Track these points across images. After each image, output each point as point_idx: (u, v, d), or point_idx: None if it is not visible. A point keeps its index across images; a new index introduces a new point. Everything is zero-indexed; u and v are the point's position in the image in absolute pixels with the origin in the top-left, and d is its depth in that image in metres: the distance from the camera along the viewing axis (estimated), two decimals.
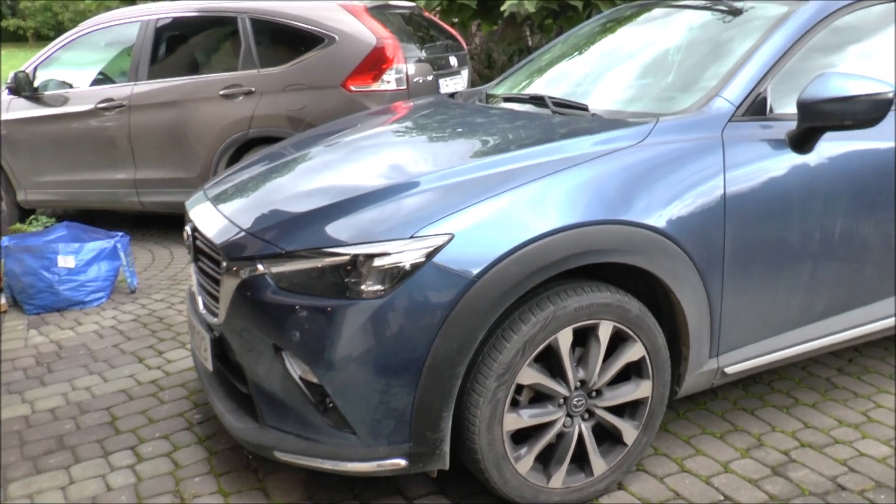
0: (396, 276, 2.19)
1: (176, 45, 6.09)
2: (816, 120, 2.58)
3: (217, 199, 2.84)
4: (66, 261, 4.54)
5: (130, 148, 5.79)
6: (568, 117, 2.88)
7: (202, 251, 2.74)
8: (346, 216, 2.33)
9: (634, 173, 2.45)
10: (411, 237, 2.20)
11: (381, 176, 2.59)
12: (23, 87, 6.03)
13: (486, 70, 8.16)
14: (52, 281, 4.52)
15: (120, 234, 4.86)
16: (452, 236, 2.20)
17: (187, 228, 2.86)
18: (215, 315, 2.61)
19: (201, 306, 2.80)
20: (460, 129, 3.09)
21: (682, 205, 2.48)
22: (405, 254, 2.18)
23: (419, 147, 2.99)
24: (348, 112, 5.11)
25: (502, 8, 7.25)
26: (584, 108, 2.91)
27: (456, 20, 8.23)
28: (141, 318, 4.41)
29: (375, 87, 5.16)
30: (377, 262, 2.19)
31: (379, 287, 2.19)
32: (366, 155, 2.96)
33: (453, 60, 5.94)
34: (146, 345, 4.04)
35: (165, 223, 6.55)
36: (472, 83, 6.41)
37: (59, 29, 38.25)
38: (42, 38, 38.98)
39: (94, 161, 5.94)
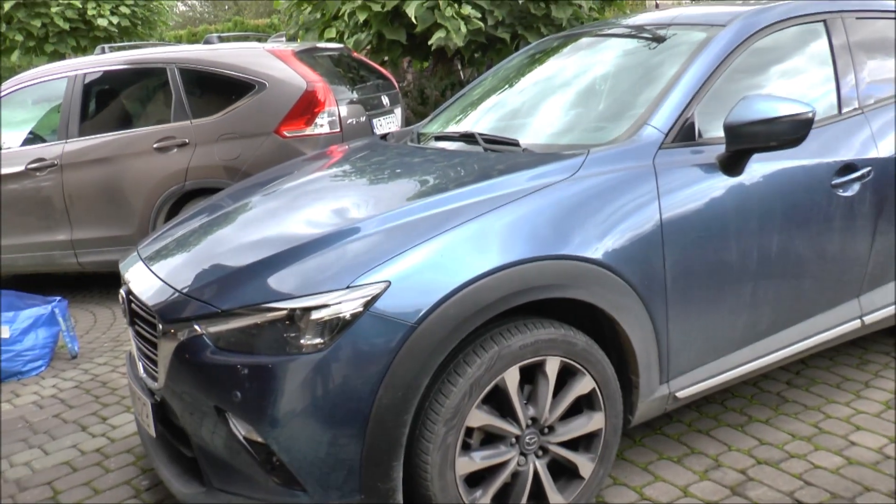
0: (335, 327, 2.14)
1: (106, 99, 5.99)
2: (743, 142, 2.62)
3: (151, 259, 2.77)
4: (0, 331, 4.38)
5: (66, 208, 5.65)
6: (500, 154, 2.88)
7: (138, 314, 2.66)
8: (283, 269, 2.29)
9: (569, 207, 2.45)
10: (348, 287, 2.16)
11: (319, 224, 2.56)
12: None
13: (419, 107, 8.20)
14: None
15: (57, 298, 4.72)
16: (389, 283, 2.17)
17: (122, 291, 2.78)
18: (155, 379, 2.53)
19: (141, 371, 2.72)
20: (395, 172, 3.07)
21: (620, 235, 2.49)
22: (343, 304, 2.15)
23: (355, 192, 2.96)
24: (283, 158, 5.06)
25: (430, 42, 7.29)
26: (515, 144, 2.92)
27: (386, 59, 8.27)
28: (83, 385, 4.27)
29: (309, 131, 5.14)
30: (315, 315, 2.14)
31: (319, 340, 2.15)
32: (303, 202, 2.92)
33: (385, 100, 5.94)
34: (89, 412, 3.90)
35: (105, 283, 6.39)
36: (406, 120, 6.41)
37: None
38: None
39: (28, 224, 5.77)
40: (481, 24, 7.34)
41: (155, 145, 5.37)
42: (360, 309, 2.14)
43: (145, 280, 2.63)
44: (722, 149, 2.69)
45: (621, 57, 3.48)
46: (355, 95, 5.51)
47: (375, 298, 2.15)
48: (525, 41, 7.80)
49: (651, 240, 2.54)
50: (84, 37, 11.15)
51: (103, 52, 5.93)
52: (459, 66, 9.06)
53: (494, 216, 2.36)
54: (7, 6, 10.39)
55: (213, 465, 2.38)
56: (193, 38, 22.51)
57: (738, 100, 2.65)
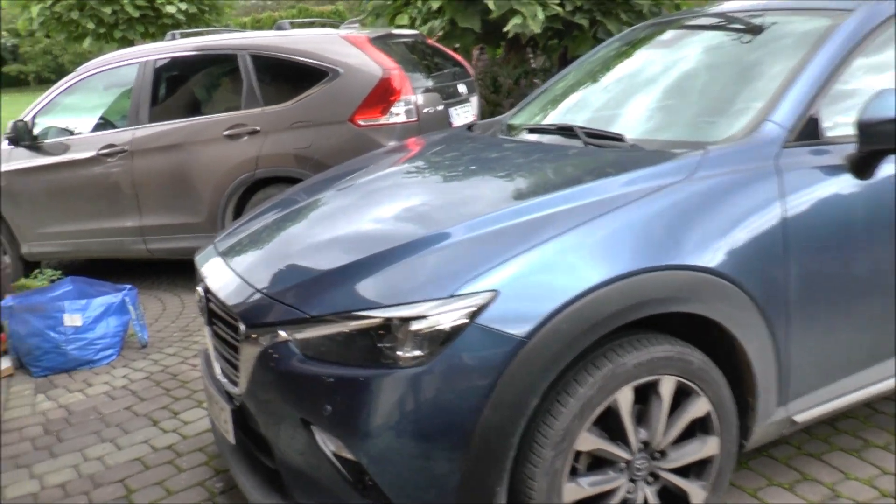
0: (436, 339, 1.97)
1: (176, 85, 5.92)
2: (879, 142, 2.36)
3: (229, 255, 2.63)
4: (72, 319, 4.33)
5: (135, 194, 5.60)
6: (604, 150, 2.67)
7: (216, 314, 2.52)
8: (375, 274, 2.12)
9: (686, 211, 2.23)
10: (451, 296, 1.98)
11: (408, 224, 2.39)
12: (22, 137, 5.85)
13: (492, 95, 7.97)
14: (59, 341, 4.31)
15: (128, 286, 4.65)
16: (496, 293, 1.98)
17: (199, 290, 2.65)
18: (235, 384, 2.39)
19: (219, 373, 2.59)
20: (486, 168, 2.88)
21: (740, 243, 2.26)
22: (445, 315, 1.97)
23: (445, 190, 2.77)
24: (357, 148, 4.92)
25: (506, 29, 7.06)
26: (620, 139, 2.70)
27: (458, 45, 8.07)
28: (153, 376, 4.19)
29: (384, 120, 4.97)
30: (415, 326, 1.97)
31: (417, 353, 1.98)
32: (388, 201, 2.75)
33: (462, 88, 5.75)
34: (160, 405, 3.82)
35: (174, 269, 6.34)
36: (480, 110, 6.20)
37: (60, 72, 38.38)
38: (43, 82, 39.06)
39: (98, 209, 5.75)
40: (559, 9, 7.09)
41: (225, 132, 5.26)
42: (465, 320, 1.96)
43: (224, 278, 2.49)
44: (851, 148, 2.44)
45: (721, 47, 3.23)
46: (431, 83, 5.33)
47: (482, 309, 1.97)
48: (603, 27, 7.54)
49: (773, 248, 2.31)
50: (152, 24, 11.19)
51: (174, 38, 5.85)
52: (532, 54, 8.81)
53: (606, 220, 2.15)
54: None
55: (298, 479, 2.23)
56: (257, 25, 22.59)
57: (870, 94, 2.40)
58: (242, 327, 2.24)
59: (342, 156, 4.94)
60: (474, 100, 5.97)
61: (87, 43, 11.16)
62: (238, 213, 5.37)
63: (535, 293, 2.01)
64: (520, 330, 1.97)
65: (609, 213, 2.17)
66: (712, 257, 2.20)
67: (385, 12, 8.11)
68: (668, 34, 3.55)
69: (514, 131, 3.32)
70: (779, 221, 2.32)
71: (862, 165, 2.45)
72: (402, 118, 4.99)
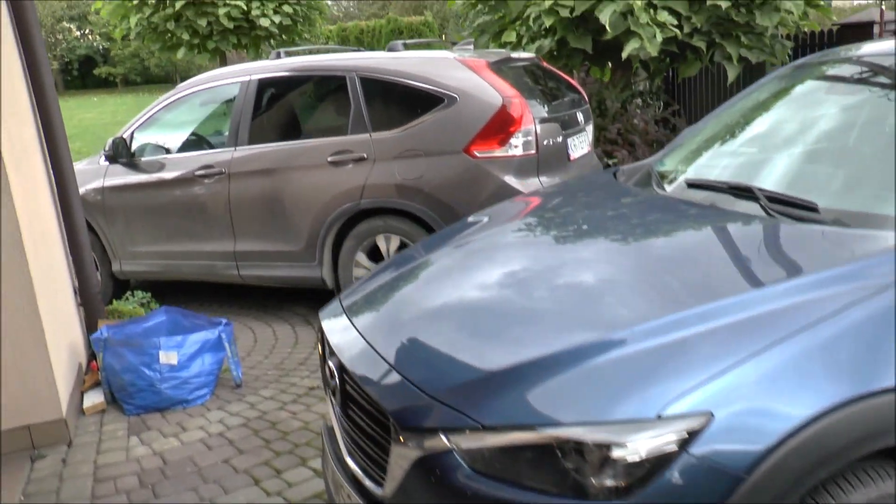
0: (639, 469, 1.59)
1: (279, 106, 5.69)
2: None
3: (365, 326, 2.30)
4: (168, 357, 4.08)
5: (230, 218, 5.37)
6: (803, 226, 2.22)
7: (353, 398, 2.19)
8: (556, 379, 1.75)
9: None
10: (658, 417, 1.60)
11: (579, 317, 2.02)
12: (120, 154, 5.70)
13: (598, 119, 7.56)
14: (154, 379, 4.07)
15: (223, 321, 4.40)
16: (711, 416, 1.60)
17: (331, 365, 2.31)
18: (378, 484, 2.04)
19: (349, 459, 2.25)
20: (655, 243, 2.45)
21: None
22: (651, 440, 1.59)
23: (609, 267, 2.34)
24: (471, 181, 4.61)
25: (624, 52, 6.65)
26: (813, 209, 2.25)
27: (563, 65, 7.69)
28: (251, 423, 3.91)
29: (502, 152, 4.61)
30: (615, 453, 1.60)
31: (613, 483, 1.60)
32: (543, 275, 2.36)
33: (580, 116, 5.36)
34: (261, 459, 3.52)
35: (264, 294, 6.10)
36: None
37: (146, 74, 39.43)
38: (129, 84, 40.09)
39: (192, 231, 5.55)
40: (677, 31, 6.64)
41: (329, 158, 4.98)
42: (675, 448, 1.59)
43: (367, 362, 2.14)
44: None
45: None
46: (549, 112, 4.95)
47: (694, 435, 1.59)
48: (722, 50, 7.06)
49: None
50: (245, 35, 11.12)
51: (279, 56, 5.61)
52: (641, 76, 8.38)
53: (829, 329, 1.73)
54: (178, 5, 10.44)
55: None
56: (343, 34, 22.55)
57: None
58: (395, 428, 1.89)
59: (455, 189, 4.64)
60: (590, 128, 5.57)
61: (180, 53, 11.16)
62: (338, 244, 5.08)
63: (753, 418, 1.62)
64: (739, 463, 1.58)
65: (828, 320, 1.74)
66: None
67: (490, 29, 7.77)
68: (827, 79, 3.10)
69: (671, 182, 2.90)
70: None
71: None
72: (520, 150, 4.63)
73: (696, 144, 3.24)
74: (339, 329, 2.40)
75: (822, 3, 7.54)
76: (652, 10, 6.59)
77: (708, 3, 6.66)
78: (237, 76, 5.52)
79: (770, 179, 2.66)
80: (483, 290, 2.34)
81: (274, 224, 5.25)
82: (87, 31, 41.24)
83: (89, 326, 4.64)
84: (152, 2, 10.43)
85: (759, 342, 1.71)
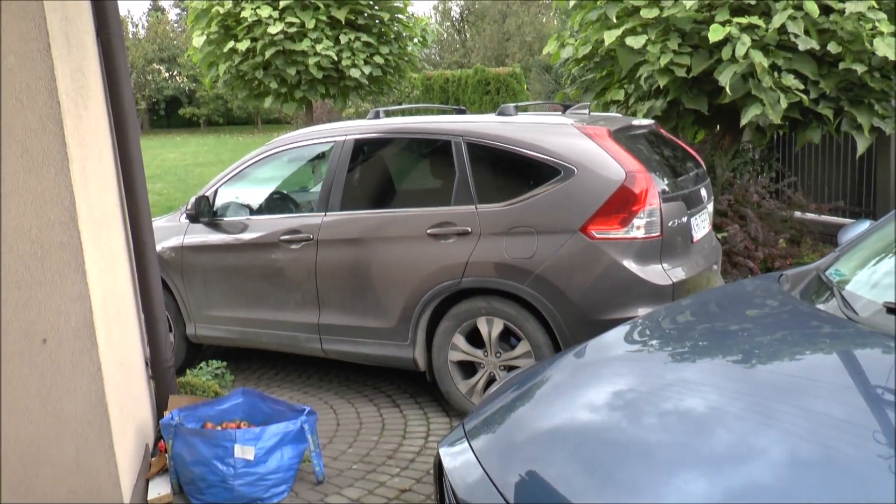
0: None
1: (376, 170, 5.28)
2: None
3: (499, 470, 1.82)
4: (244, 451, 3.64)
5: (315, 287, 4.95)
6: None
7: None
8: None
9: None
10: None
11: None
12: (203, 213, 5.37)
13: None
14: (227, 475, 3.63)
15: (306, 409, 3.94)
16: None
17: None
18: None
19: None
20: (852, 400, 1.89)
21: None
22: None
23: (813, 428, 1.81)
24: (587, 263, 4.09)
25: (744, 121, 6.09)
26: None
27: (673, 126, 7.17)
28: None
29: (623, 234, 4.09)
30: None
31: None
32: (725, 416, 1.88)
33: (703, 193, 4.81)
34: None
35: (345, 368, 5.65)
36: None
37: (228, 116, 40.31)
38: (212, 124, 41.03)
39: (273, 299, 5.15)
40: (803, 96, 6.06)
41: (429, 230, 4.53)
42: None
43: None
44: None
45: None
46: (673, 188, 4.41)
47: None
48: (851, 118, 6.43)
49: None
50: (334, 85, 10.91)
51: (377, 115, 5.23)
52: (748, 139, 7.77)
53: None
54: (268, 53, 10.29)
55: None
56: (428, 83, 22.39)
57: None
58: None
59: (568, 271, 4.13)
60: (710, 206, 5.02)
61: (268, 102, 10.99)
62: (434, 323, 4.61)
63: None
64: None
65: None
66: None
67: (595, 87, 7.30)
68: None
69: (857, 301, 2.33)
70: None
71: None
72: (643, 232, 4.10)
73: (875, 248, 2.67)
74: (462, 465, 1.93)
75: None
76: (776, 73, 6.03)
77: (841, 66, 6.07)
78: (332, 135, 5.15)
79: None
80: (663, 437, 1.85)
81: (364, 297, 4.81)
82: (175, 72, 42.47)
83: (159, 402, 4.26)
84: (242, 50, 10.29)
85: None
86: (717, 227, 6.75)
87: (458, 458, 2.07)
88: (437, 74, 22.87)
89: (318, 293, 4.96)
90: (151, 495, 3.76)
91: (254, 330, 5.31)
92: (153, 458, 4.03)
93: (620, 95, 6.92)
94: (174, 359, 4.44)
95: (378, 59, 10.73)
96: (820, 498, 1.49)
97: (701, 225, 4.73)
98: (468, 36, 40.77)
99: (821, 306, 2.38)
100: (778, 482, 1.59)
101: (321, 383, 5.45)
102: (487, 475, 1.90)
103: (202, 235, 5.41)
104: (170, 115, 42.95)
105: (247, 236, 5.24)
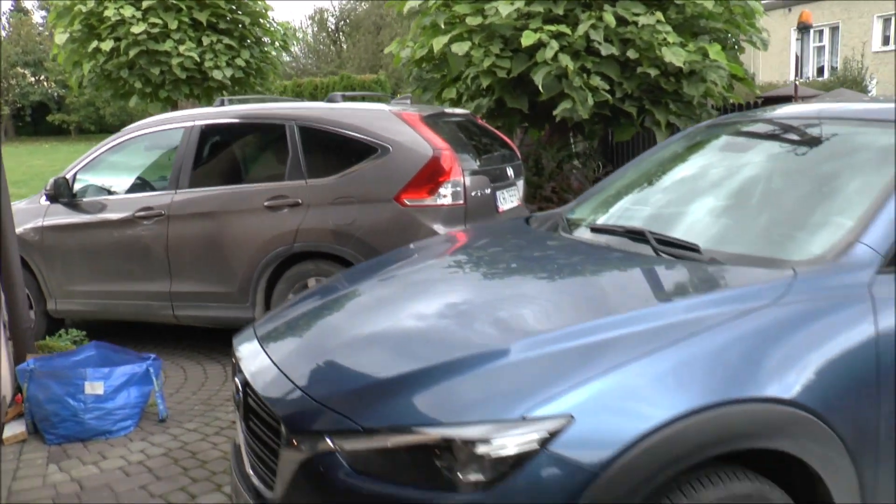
0: (502, 465, 1.78)
1: (220, 152, 5.85)
2: None
3: (272, 346, 2.46)
4: (93, 387, 4.16)
5: (167, 259, 5.48)
6: (681, 263, 2.49)
7: (254, 410, 2.34)
8: (436, 387, 1.94)
9: (774, 339, 2.05)
10: (522, 418, 1.79)
11: (465, 331, 2.22)
12: (62, 194, 5.79)
13: (534, 177, 7.89)
14: (78, 409, 4.13)
15: (152, 356, 4.49)
16: (572, 419, 1.79)
17: (237, 381, 2.47)
18: (269, 487, 2.19)
19: (249, 468, 2.39)
20: (548, 272, 2.71)
21: (829, 376, 2.07)
22: (514, 438, 1.78)
23: (503, 294, 2.59)
24: (400, 228, 4.80)
25: (555, 113, 7.00)
26: (696, 249, 2.51)
27: (500, 125, 8.03)
28: (172, 453, 3.99)
29: (431, 201, 4.84)
30: (479, 449, 1.78)
31: (479, 478, 1.78)
32: (439, 299, 2.59)
33: (510, 171, 5.63)
34: (176, 486, 3.61)
35: (198, 335, 6.17)
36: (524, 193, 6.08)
37: (100, 123, 39.26)
38: (83, 132, 39.89)
39: (129, 272, 5.63)
40: (609, 96, 7.02)
41: (266, 203, 5.16)
42: (536, 446, 1.77)
43: (266, 374, 2.31)
44: None
45: (789, 155, 3.12)
46: (480, 165, 5.21)
47: (555, 435, 1.78)
48: (651, 116, 7.45)
49: (865, 384, 2.11)
50: (198, 85, 11.31)
51: (222, 104, 5.81)
52: (579, 138, 8.75)
53: (689, 346, 1.97)
54: (132, 53, 10.60)
55: None
56: (298, 90, 22.93)
57: None
58: (285, 431, 2.05)
59: (384, 235, 4.83)
60: (520, 183, 5.85)
61: (133, 101, 11.29)
62: (271, 286, 5.22)
63: (610, 422, 1.82)
64: (594, 461, 1.77)
65: (689, 338, 1.99)
66: (801, 391, 2.00)
67: (433, 87, 8.09)
68: (731, 138, 3.43)
69: (576, 228, 3.15)
70: (872, 355, 2.12)
71: None
72: (448, 200, 4.86)
73: (605, 196, 3.50)
74: (248, 350, 2.56)
75: (746, 77, 8.02)
76: (585, 75, 6.96)
77: (638, 70, 7.07)
78: (181, 121, 5.70)
79: (660, 224, 2.94)
80: (390, 316, 2.52)
81: (210, 266, 5.38)
82: (42, 77, 41.15)
83: (17, 361, 4.67)
84: (106, 49, 10.55)
85: (624, 355, 1.93)
86: (542, 210, 7.65)
87: (250, 354, 2.53)
88: (307, 82, 23.50)
89: (170, 264, 5.48)
90: (6, 434, 4.20)
91: (111, 301, 5.77)
92: (9, 408, 4.47)
93: (453, 94, 7.73)
94: (36, 332, 4.88)
95: (240, 62, 11.22)
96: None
97: (508, 199, 5.53)
98: (344, 46, 41.41)
99: (553, 232, 3.17)
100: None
101: (175, 350, 5.95)
102: (274, 363, 2.36)
103: (61, 216, 5.83)
104: (37, 121, 41.40)
105: (104, 215, 5.70)
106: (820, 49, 28.07)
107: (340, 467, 1.91)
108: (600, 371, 1.88)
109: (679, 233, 2.74)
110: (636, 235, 2.74)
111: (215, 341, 6.01)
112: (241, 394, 2.41)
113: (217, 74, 10.88)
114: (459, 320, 2.34)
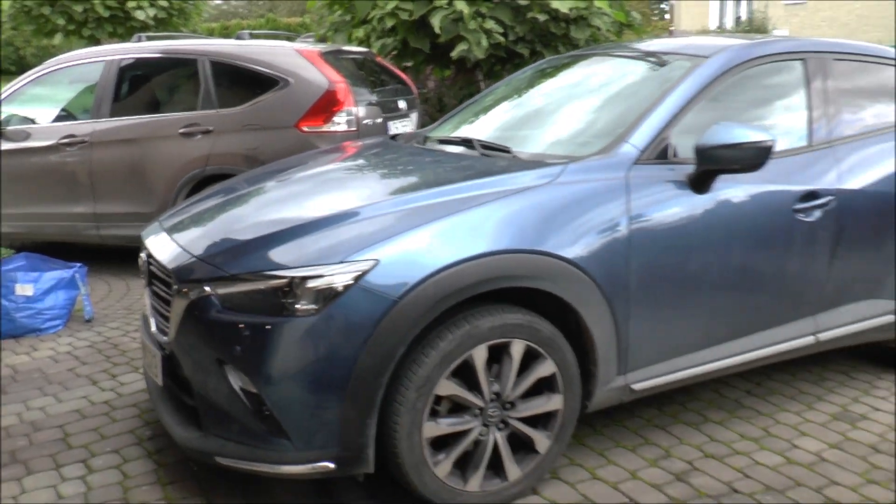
0: (328, 296, 2.45)
1: (138, 84, 6.34)
2: (710, 163, 2.91)
3: (171, 229, 3.09)
4: (23, 289, 4.71)
5: (91, 183, 5.99)
6: (492, 158, 3.19)
7: (156, 275, 2.97)
8: (286, 243, 2.60)
9: (548, 208, 2.75)
10: (341, 262, 2.47)
11: (323, 208, 2.87)
12: None
13: (437, 113, 8.52)
14: (9, 308, 4.68)
15: (78, 264, 5.04)
16: (377, 262, 2.47)
17: (142, 255, 3.09)
18: (166, 334, 2.83)
19: (153, 327, 3.03)
20: (399, 168, 3.39)
21: (590, 238, 2.77)
22: (336, 276, 2.45)
23: (361, 183, 3.29)
24: (300, 151, 5.39)
25: (452, 54, 7.60)
26: (507, 151, 3.22)
27: (408, 65, 8.60)
28: (96, 345, 4.59)
29: (326, 128, 5.45)
30: (311, 284, 2.45)
31: (312, 306, 2.45)
32: (312, 190, 3.25)
33: (402, 104, 6.26)
34: (100, 369, 4.21)
35: (121, 256, 6.70)
36: (423, 125, 6.72)
37: (21, 63, 38.06)
38: (3, 73, 38.68)
39: (55, 195, 6.12)
40: (502, 38, 7.64)
41: (181, 131, 5.70)
42: (351, 281, 2.45)
43: (165, 246, 2.94)
44: (692, 168, 2.98)
45: (619, 79, 3.78)
46: (374, 98, 5.83)
47: (364, 273, 2.45)
48: (542, 57, 8.10)
49: (619, 244, 2.83)
50: (121, 25, 11.56)
51: (140, 40, 6.28)
52: (479, 77, 9.37)
53: (479, 211, 2.66)
54: None
55: (211, 412, 2.68)
56: (225, 32, 23.01)
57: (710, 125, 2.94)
58: (175, 283, 2.69)
59: (286, 157, 5.42)
60: (414, 115, 6.48)
61: (56, 39, 11.49)
62: None
63: (408, 264, 2.51)
64: (394, 292, 2.46)
65: (483, 205, 2.68)
66: (566, 247, 2.71)
67: (343, 28, 8.62)
68: (582, 64, 4.10)
69: (429, 142, 3.82)
70: (624, 222, 2.84)
71: (698, 182, 2.99)
72: (342, 127, 5.48)
73: (460, 117, 4.17)
74: (153, 235, 3.18)
75: (634, 23, 8.73)
76: (480, 18, 7.57)
77: (528, 15, 7.70)
78: (102, 56, 6.16)
79: (492, 135, 3.63)
80: (275, 203, 3.16)
81: (131, 188, 5.91)
82: None
83: None
84: None
85: (433, 216, 2.61)
86: None
87: (154, 236, 3.12)
88: (235, 24, 23.60)
89: (94, 187, 6.00)
90: None
91: (40, 223, 6.25)
92: None
93: (361, 34, 8.27)
94: None
95: (162, 3, 11.50)
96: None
97: (401, 128, 6.17)
98: None
99: (412, 145, 3.82)
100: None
101: (101, 268, 6.44)
102: (171, 238, 2.98)
103: None
104: None
105: (30, 143, 6.15)
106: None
107: (214, 306, 2.57)
108: (406, 228, 2.56)
109: (505, 142, 3.42)
110: (468, 143, 3.43)
111: (137, 260, 6.54)
112: (145, 264, 3.05)
113: (140, 14, 11.16)
114: (324, 202, 2.99)
